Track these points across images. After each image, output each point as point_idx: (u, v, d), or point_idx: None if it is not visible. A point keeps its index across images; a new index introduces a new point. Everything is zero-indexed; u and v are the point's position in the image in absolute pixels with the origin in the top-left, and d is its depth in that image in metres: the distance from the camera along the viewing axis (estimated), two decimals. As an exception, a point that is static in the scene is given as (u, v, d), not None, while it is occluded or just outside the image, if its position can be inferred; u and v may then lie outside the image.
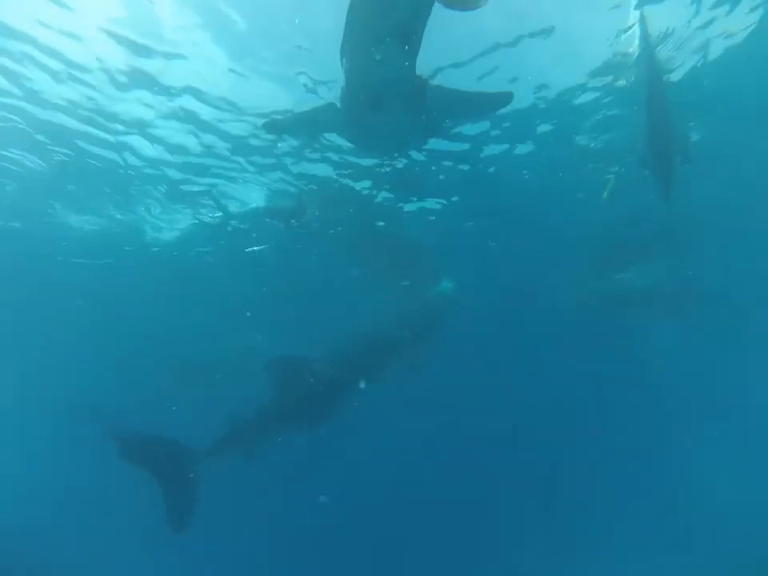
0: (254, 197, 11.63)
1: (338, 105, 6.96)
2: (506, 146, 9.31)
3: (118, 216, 12.43)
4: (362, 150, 9.10)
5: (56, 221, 12.55)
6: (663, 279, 14.78)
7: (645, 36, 6.32)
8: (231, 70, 7.15)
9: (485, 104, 6.91)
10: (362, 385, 9.99)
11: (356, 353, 10.28)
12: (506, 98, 6.52)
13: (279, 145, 9.23)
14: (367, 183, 10.69)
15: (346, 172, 10.31)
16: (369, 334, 10.92)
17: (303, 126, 8.18)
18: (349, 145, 8.93)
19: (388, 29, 4.89)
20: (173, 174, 10.34)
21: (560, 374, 19.42)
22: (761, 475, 19.23)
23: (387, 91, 5.73)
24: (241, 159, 9.86)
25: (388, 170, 10.13)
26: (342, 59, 5.71)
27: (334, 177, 10.47)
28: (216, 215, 12.29)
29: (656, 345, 17.95)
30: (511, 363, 18.67)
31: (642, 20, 6.29)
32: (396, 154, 9.52)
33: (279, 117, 8.03)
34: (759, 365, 18.89)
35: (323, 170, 10.26)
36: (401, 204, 11.71)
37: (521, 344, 17.80)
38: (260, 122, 8.23)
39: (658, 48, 6.68)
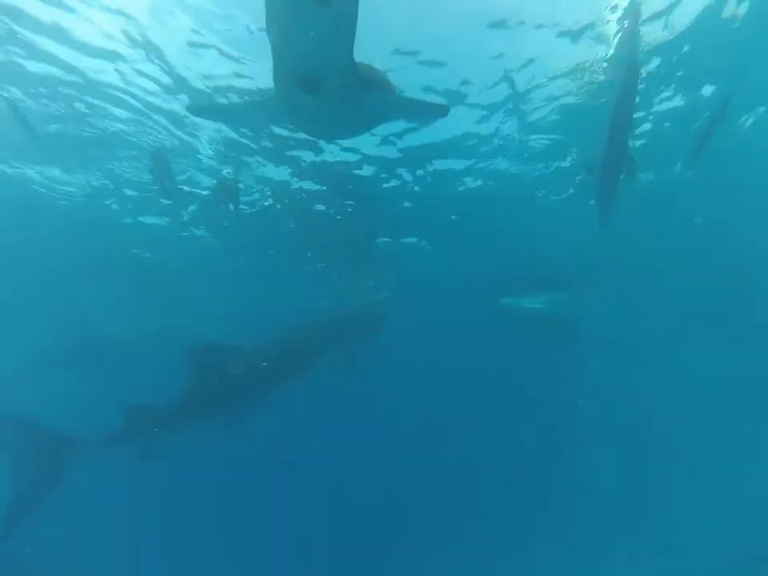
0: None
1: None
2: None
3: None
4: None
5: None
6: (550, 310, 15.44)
7: (631, 40, 5.86)
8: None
9: (422, 113, 6.71)
10: (286, 380, 8.90)
11: (283, 346, 9.07)
12: (442, 110, 6.24)
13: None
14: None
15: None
16: (298, 328, 9.75)
17: (237, 117, 7.28)
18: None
19: None
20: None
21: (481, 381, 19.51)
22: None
23: (316, 70, 4.88)
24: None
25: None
26: (268, 33, 4.75)
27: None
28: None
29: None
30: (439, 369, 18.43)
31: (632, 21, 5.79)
32: (338, 140, 8.80)
33: (207, 102, 7.15)
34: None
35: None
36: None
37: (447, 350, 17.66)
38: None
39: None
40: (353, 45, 4.70)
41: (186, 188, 8.55)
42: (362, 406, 18.64)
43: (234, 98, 7.34)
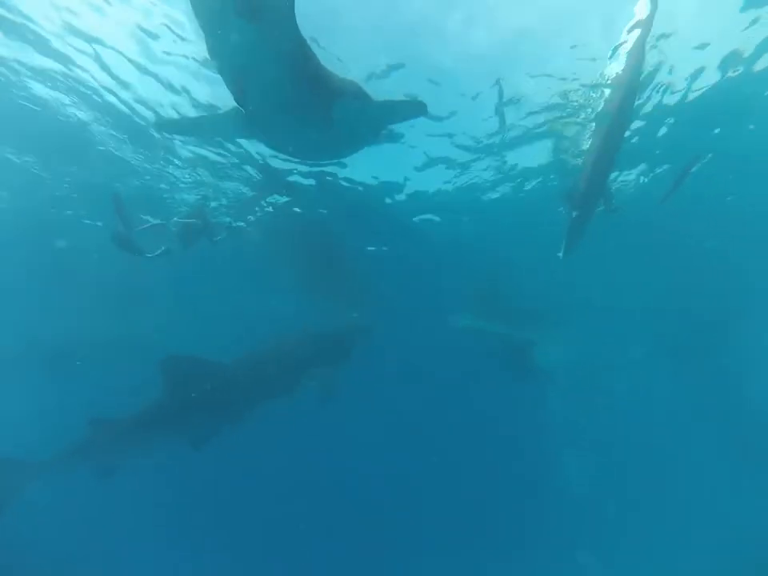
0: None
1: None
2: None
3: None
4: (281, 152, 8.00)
5: None
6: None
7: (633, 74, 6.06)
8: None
9: (400, 113, 6.21)
10: (264, 400, 8.45)
11: (260, 364, 8.62)
12: (420, 108, 5.88)
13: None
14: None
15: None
16: (277, 347, 9.32)
17: (205, 130, 7.07)
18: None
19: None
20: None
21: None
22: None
23: (251, 81, 4.55)
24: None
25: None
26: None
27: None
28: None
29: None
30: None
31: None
32: (317, 161, 8.59)
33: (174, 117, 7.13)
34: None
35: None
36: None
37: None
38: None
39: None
40: (301, 56, 4.41)
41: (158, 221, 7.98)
42: (336, 420, 18.14)
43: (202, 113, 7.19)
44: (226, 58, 4.42)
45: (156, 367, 6.79)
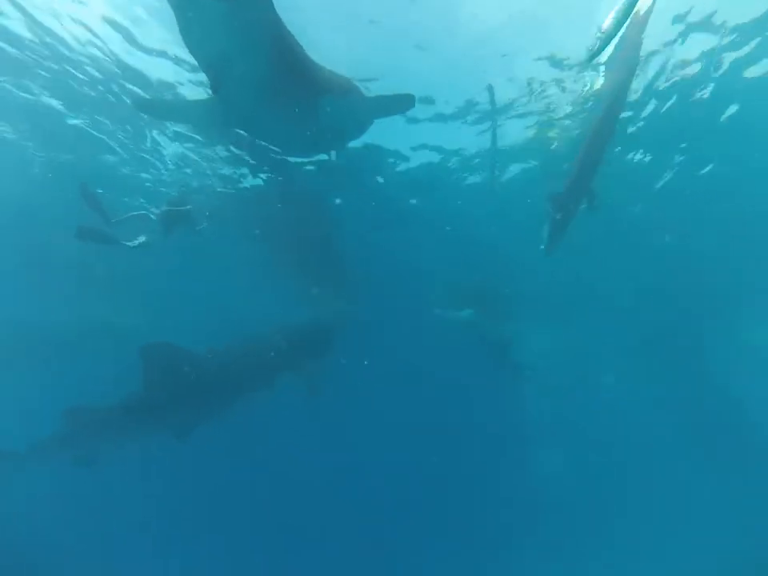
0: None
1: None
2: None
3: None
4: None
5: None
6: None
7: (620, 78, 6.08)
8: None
9: (388, 107, 6.14)
10: (245, 391, 8.38)
11: (240, 355, 8.50)
12: (408, 100, 5.76)
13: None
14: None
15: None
16: (256, 339, 9.19)
17: (180, 116, 6.81)
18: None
19: None
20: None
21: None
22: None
23: (225, 68, 4.35)
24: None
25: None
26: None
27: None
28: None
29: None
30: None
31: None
32: (304, 156, 8.35)
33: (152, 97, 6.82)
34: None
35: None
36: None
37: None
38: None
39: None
40: (281, 44, 4.19)
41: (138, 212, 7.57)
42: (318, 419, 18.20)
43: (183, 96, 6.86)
44: (197, 41, 4.17)
45: (137, 355, 6.64)
